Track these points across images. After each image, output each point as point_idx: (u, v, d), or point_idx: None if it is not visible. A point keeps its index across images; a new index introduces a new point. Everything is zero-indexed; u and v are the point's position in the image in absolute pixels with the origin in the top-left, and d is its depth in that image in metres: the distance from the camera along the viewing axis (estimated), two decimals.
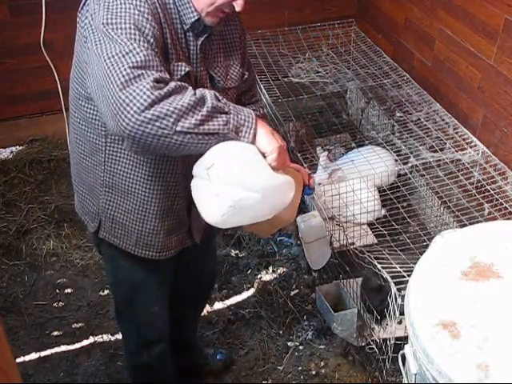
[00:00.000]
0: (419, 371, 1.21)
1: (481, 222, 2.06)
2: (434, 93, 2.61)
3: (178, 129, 1.07)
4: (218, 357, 2.10)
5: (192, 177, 1.23)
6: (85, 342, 2.22)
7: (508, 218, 2.03)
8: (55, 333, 2.26)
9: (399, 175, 2.48)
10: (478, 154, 2.25)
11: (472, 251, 1.35)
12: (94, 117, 1.30)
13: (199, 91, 1.13)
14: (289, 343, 2.20)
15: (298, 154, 2.40)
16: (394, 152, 2.51)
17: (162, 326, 1.67)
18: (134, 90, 1.05)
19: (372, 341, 2.04)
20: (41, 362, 2.15)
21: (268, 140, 1.19)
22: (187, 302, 1.86)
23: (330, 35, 3.15)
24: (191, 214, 1.45)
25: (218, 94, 1.16)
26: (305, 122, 2.91)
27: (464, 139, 2.33)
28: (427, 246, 1.85)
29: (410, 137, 2.49)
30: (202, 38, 1.30)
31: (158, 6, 1.20)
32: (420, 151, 2.38)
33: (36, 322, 2.30)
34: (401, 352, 1.34)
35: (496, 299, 1.22)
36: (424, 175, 2.37)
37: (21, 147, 3.20)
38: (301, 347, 2.18)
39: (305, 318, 2.29)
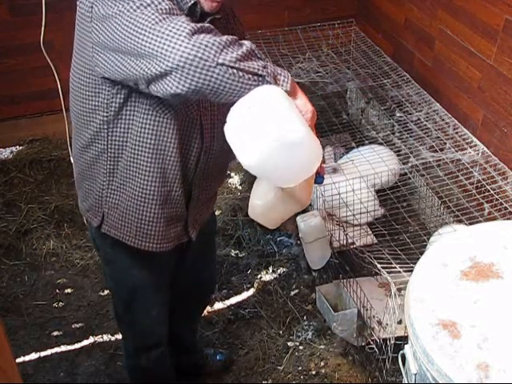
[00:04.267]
0: (419, 371, 1.21)
1: (481, 221, 2.06)
2: (433, 93, 2.61)
3: (220, 61, 1.07)
4: (217, 357, 2.10)
5: (188, 167, 1.26)
6: (85, 342, 2.22)
7: (508, 218, 2.03)
8: (55, 333, 2.26)
9: (399, 175, 2.48)
10: (478, 154, 2.25)
11: (472, 251, 1.35)
12: (96, 103, 1.28)
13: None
14: (289, 343, 2.20)
15: None
16: (394, 152, 2.51)
17: (161, 330, 1.67)
18: (170, 25, 1.06)
19: (372, 341, 2.04)
20: (41, 362, 2.15)
21: (304, 100, 1.22)
22: (186, 305, 1.86)
23: (330, 35, 3.15)
24: (189, 207, 1.45)
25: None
26: None
27: (464, 139, 2.33)
28: (427, 246, 1.85)
29: (410, 137, 2.49)
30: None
31: None
32: (420, 151, 2.38)
33: (36, 321, 2.30)
34: (401, 352, 1.34)
35: (496, 299, 1.22)
36: (424, 175, 2.38)
37: (21, 147, 3.20)
38: (301, 347, 2.18)
39: (305, 318, 2.29)
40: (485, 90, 2.27)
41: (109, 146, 1.33)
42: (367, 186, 2.32)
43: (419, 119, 2.54)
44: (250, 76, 1.11)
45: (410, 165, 2.35)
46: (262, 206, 1.33)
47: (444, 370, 1.10)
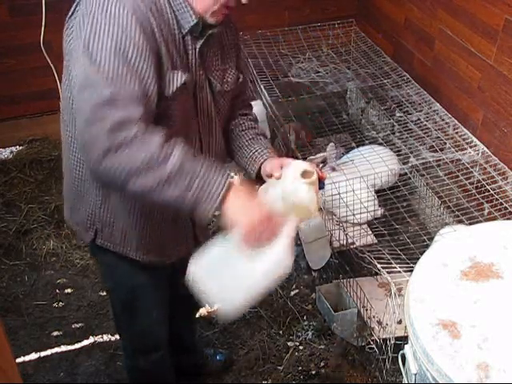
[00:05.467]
0: (419, 371, 1.21)
1: (481, 221, 2.06)
2: (433, 93, 2.61)
3: (129, 187, 1.06)
4: (217, 357, 2.10)
5: None
6: (85, 342, 2.22)
7: (508, 218, 2.03)
8: (55, 333, 2.26)
9: (399, 175, 2.48)
10: (478, 154, 2.25)
11: (472, 251, 1.35)
12: None
13: (168, 147, 1.06)
14: (289, 343, 2.20)
15: (299, 155, 2.40)
16: (394, 152, 2.51)
17: (160, 333, 1.65)
18: (95, 132, 1.04)
19: (372, 341, 2.04)
20: (41, 362, 2.15)
21: (233, 217, 1.13)
22: (186, 305, 1.85)
23: (330, 35, 3.15)
24: (196, 220, 1.42)
25: (188, 151, 1.09)
26: (305, 122, 2.92)
27: (464, 139, 2.33)
28: (427, 246, 1.85)
29: (410, 137, 2.49)
30: (202, 41, 1.26)
31: (150, 14, 1.13)
32: (420, 151, 2.38)
33: (36, 322, 2.30)
34: (401, 352, 1.34)
35: (496, 299, 1.22)
36: (424, 175, 2.37)
37: (21, 147, 3.20)
38: (301, 347, 2.18)
39: (305, 318, 2.29)
40: (485, 90, 2.27)
41: None
42: (367, 185, 2.32)
43: (419, 119, 2.54)
44: (165, 202, 1.08)
45: (409, 165, 2.35)
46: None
47: (444, 369, 1.10)
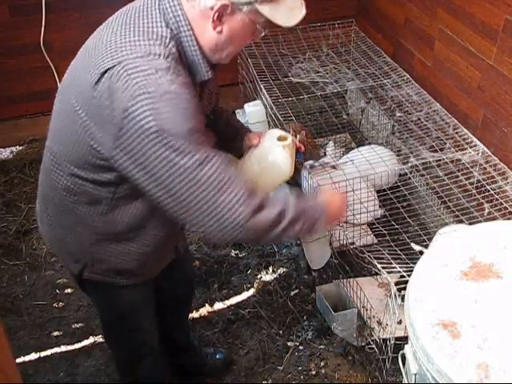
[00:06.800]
0: (419, 371, 1.21)
1: (481, 221, 2.06)
2: (433, 93, 2.61)
3: (266, 239, 1.26)
4: (217, 356, 2.10)
5: None
6: (85, 342, 2.22)
7: (508, 218, 2.03)
8: (55, 333, 2.26)
9: (399, 175, 2.48)
10: (478, 154, 2.25)
11: (472, 251, 1.35)
12: (105, 180, 1.23)
13: (282, 202, 1.24)
14: (289, 343, 2.20)
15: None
16: (394, 152, 2.51)
17: (151, 340, 1.66)
18: (231, 200, 1.15)
19: (372, 341, 2.04)
20: (41, 362, 2.15)
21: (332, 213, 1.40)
22: (174, 304, 1.86)
23: (330, 35, 3.15)
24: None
25: (295, 195, 1.40)
26: (305, 122, 2.91)
27: (464, 139, 2.33)
28: (427, 246, 1.85)
29: (410, 137, 2.49)
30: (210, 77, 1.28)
31: (183, 73, 1.16)
32: (420, 151, 2.38)
33: (36, 322, 2.30)
34: (401, 352, 1.34)
35: (496, 299, 1.22)
36: (424, 175, 2.37)
37: (21, 147, 3.20)
38: (301, 347, 2.18)
39: (305, 318, 2.29)
40: (485, 90, 2.27)
41: (108, 210, 1.28)
42: (367, 185, 2.32)
43: (419, 119, 2.53)
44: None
45: (409, 165, 2.35)
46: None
47: (444, 370, 1.10)
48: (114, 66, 1.11)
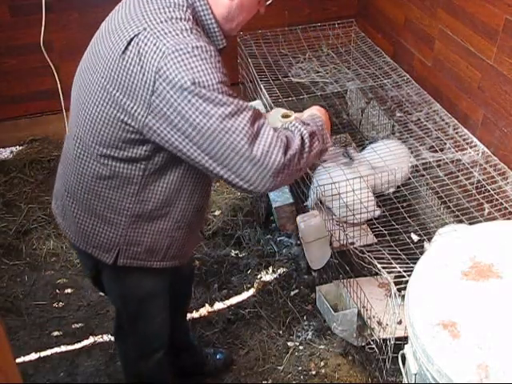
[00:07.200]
0: (419, 371, 1.21)
1: (481, 221, 2.06)
2: (433, 93, 2.61)
3: (300, 165, 1.27)
4: (217, 356, 2.10)
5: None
6: (85, 342, 2.22)
7: (508, 218, 2.03)
8: (55, 333, 2.26)
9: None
10: (478, 154, 2.25)
11: (472, 251, 1.35)
12: (136, 156, 1.25)
13: (293, 130, 1.29)
14: (289, 343, 2.20)
15: None
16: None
17: (164, 333, 1.66)
18: (265, 146, 1.19)
19: (372, 341, 2.04)
20: (41, 362, 2.15)
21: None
22: (174, 304, 1.85)
23: (330, 35, 3.15)
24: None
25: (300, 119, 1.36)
26: None
27: (464, 139, 2.33)
28: (429, 239, 1.86)
29: (410, 137, 2.49)
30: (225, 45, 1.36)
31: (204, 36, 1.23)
32: (420, 151, 2.38)
33: (36, 322, 2.30)
34: (401, 352, 1.34)
35: (496, 299, 1.22)
36: (424, 175, 2.37)
37: (21, 147, 3.21)
38: (301, 347, 2.18)
39: (305, 318, 2.29)
40: (485, 90, 2.27)
41: (140, 190, 1.30)
42: (367, 185, 2.32)
43: (419, 119, 2.53)
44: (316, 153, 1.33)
45: (410, 164, 2.35)
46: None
47: (444, 370, 1.10)
48: (140, 32, 1.16)
